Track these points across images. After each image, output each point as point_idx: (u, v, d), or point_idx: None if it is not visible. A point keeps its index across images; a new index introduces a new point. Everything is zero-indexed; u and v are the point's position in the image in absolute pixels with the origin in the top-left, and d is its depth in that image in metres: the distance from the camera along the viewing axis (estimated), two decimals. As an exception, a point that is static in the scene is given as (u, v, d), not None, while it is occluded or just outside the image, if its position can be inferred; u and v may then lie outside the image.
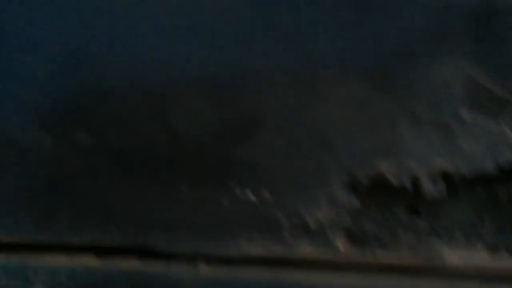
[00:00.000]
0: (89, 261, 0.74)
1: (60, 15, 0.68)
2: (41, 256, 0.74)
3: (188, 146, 0.69)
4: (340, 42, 0.69)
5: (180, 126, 0.68)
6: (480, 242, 0.74)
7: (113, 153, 0.70)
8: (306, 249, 0.73)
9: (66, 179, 0.71)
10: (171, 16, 0.67)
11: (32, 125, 0.70)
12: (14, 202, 0.72)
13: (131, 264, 0.74)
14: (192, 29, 0.67)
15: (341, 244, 0.73)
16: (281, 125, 0.69)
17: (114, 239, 0.73)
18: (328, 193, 0.72)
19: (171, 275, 0.73)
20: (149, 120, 0.69)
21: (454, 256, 0.73)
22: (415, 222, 0.74)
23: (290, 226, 0.72)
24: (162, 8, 0.67)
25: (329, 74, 0.69)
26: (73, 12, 0.68)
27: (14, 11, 0.69)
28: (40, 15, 0.68)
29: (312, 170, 0.71)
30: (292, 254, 0.73)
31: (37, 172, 0.71)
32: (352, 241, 0.74)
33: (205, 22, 0.67)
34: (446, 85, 0.70)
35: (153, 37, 0.67)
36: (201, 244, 0.73)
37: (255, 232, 0.72)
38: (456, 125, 0.71)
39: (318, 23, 0.69)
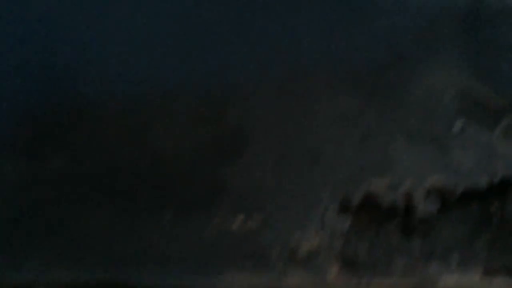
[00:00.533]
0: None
1: (31, 28, 0.63)
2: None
3: (170, 169, 0.64)
4: (329, 50, 0.66)
5: (161, 146, 0.64)
6: (475, 264, 0.71)
7: (88, 179, 0.64)
8: (297, 280, 0.68)
9: (37, 210, 0.64)
10: (149, 27, 0.63)
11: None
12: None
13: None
14: (172, 39, 0.63)
15: (333, 272, 0.68)
16: (269, 141, 0.65)
17: (92, 278, 0.67)
18: (319, 216, 0.67)
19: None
20: (128, 140, 0.64)
21: (449, 280, 0.70)
22: (408, 244, 0.71)
23: (280, 255, 0.68)
24: (139, 19, 0.63)
25: (318, 84, 0.66)
26: (44, 24, 0.63)
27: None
28: (7, 27, 0.63)
29: (302, 191, 0.67)
30: (283, 285, 0.68)
31: (4, 202, 0.64)
32: (344, 268, 0.69)
33: (185, 30, 0.63)
34: (439, 95, 0.67)
35: (129, 49, 0.63)
36: (186, 279, 0.67)
37: (243, 263, 0.67)
38: (449, 138, 0.68)
39: (306, 32, 0.66)
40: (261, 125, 0.65)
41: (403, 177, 0.68)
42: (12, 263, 0.65)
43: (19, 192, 0.64)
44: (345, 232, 0.68)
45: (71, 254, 0.65)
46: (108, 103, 0.63)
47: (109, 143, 0.64)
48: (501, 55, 0.66)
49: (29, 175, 0.63)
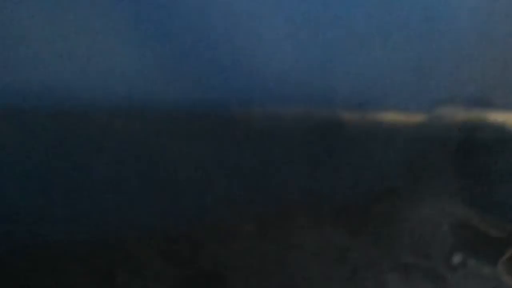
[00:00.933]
0: None
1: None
2: None
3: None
4: (311, 182, 0.61)
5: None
6: None
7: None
8: None
9: None
10: (119, 168, 0.58)
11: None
12: None
13: None
14: (143, 178, 0.58)
15: None
16: (249, 284, 0.59)
17: None
18: None
19: None
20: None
21: None
22: None
23: None
24: (106, 158, 0.58)
25: (304, 219, 0.60)
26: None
27: None
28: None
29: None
30: None
31: None
32: None
33: (158, 169, 0.58)
34: (434, 228, 0.62)
35: (91, 189, 0.57)
36: None
37: None
38: (449, 274, 0.62)
39: (286, 162, 0.61)
40: (239, 265, 0.59)
41: (398, 316, 0.61)
42: None
43: None
44: None
45: None
46: (61, 249, 0.58)
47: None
48: (496, 184, 0.60)
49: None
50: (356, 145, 0.61)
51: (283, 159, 0.60)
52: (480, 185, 0.62)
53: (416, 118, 0.61)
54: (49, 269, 0.57)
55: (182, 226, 0.59)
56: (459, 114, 0.60)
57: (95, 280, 0.59)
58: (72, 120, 0.56)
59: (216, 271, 0.59)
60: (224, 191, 0.60)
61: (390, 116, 0.61)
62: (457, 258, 0.62)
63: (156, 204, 0.58)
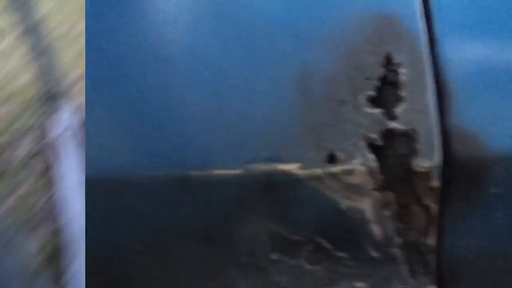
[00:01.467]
0: None
1: None
2: None
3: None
4: (181, 216, 0.99)
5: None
6: None
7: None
8: None
9: None
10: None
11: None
12: None
13: None
14: None
15: None
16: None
17: None
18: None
19: None
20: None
21: None
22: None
23: None
24: None
25: (176, 240, 0.99)
26: None
27: None
28: None
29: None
30: None
31: None
32: None
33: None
34: (257, 237, 0.99)
35: None
36: None
37: None
38: (269, 265, 0.99)
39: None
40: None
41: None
42: None
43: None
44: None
45: None
46: None
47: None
48: (292, 208, 0.96)
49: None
50: (202, 190, 0.99)
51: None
52: (282, 209, 0.98)
53: (237, 171, 0.97)
54: None
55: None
56: (263, 167, 0.97)
57: None
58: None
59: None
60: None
61: (220, 171, 0.98)
62: (274, 255, 0.99)
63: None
